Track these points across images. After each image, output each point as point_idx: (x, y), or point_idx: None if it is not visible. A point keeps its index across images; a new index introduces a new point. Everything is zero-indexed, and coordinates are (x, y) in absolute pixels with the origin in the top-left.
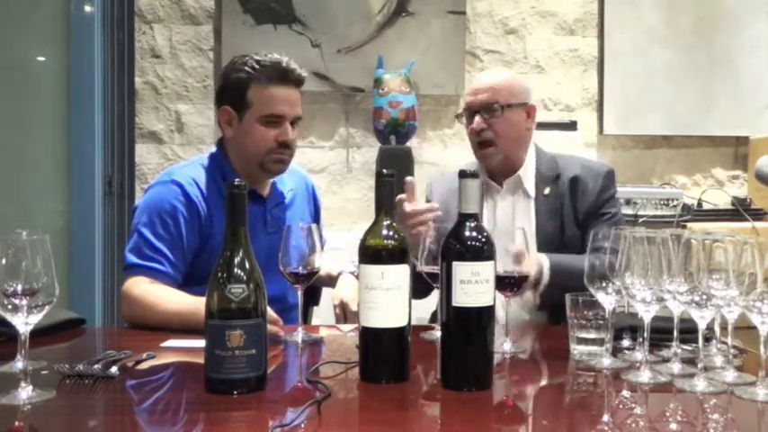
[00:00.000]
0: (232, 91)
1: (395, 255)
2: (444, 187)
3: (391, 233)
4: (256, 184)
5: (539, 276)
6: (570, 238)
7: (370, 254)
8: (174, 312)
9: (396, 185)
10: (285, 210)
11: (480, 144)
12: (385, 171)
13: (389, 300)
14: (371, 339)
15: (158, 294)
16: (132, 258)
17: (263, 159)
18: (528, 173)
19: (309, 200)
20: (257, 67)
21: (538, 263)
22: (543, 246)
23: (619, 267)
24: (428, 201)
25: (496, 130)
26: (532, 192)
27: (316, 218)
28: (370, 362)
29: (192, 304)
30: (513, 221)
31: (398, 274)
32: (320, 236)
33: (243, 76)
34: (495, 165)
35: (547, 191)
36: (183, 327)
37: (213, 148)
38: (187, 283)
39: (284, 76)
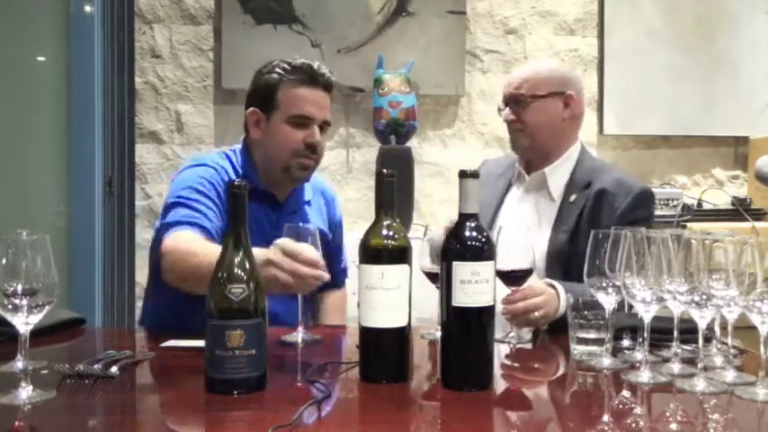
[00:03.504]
0: (261, 93)
1: (395, 255)
2: (497, 170)
3: (391, 233)
4: (276, 189)
5: (556, 306)
6: (580, 255)
7: (371, 254)
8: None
9: (395, 185)
10: (302, 218)
11: (512, 131)
12: (385, 171)
13: (389, 300)
14: (371, 339)
15: (205, 244)
16: (172, 218)
17: (288, 162)
18: (557, 174)
19: (328, 210)
20: (287, 68)
21: (550, 295)
22: (552, 256)
23: (619, 267)
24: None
25: (524, 119)
26: (557, 195)
27: (332, 229)
28: (370, 362)
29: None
30: (530, 220)
31: (398, 275)
32: (328, 243)
33: (273, 77)
34: (523, 149)
35: (573, 198)
36: None
37: (238, 145)
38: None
39: (314, 78)
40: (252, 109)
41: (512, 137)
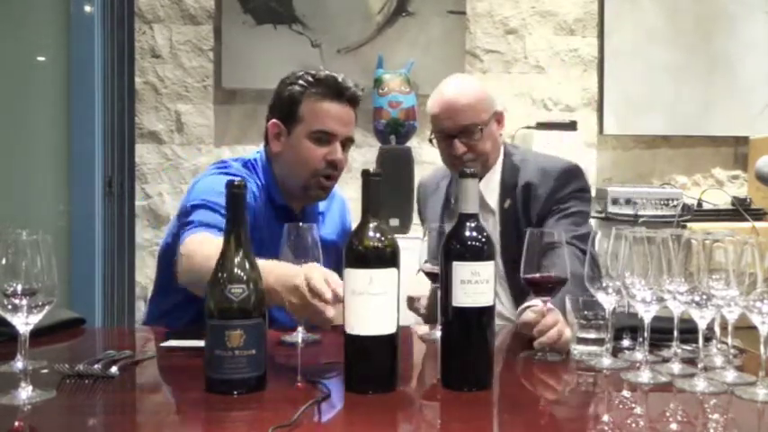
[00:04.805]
0: (284, 105)
1: (384, 258)
2: (432, 186)
3: (378, 235)
4: (292, 201)
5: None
6: None
7: (358, 257)
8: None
9: (384, 185)
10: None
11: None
12: (371, 170)
13: (378, 306)
14: (358, 348)
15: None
16: (196, 218)
17: (308, 181)
18: (490, 184)
19: (341, 219)
20: (312, 80)
21: (557, 312)
22: (510, 265)
23: (620, 267)
24: (419, 201)
25: (478, 150)
26: (494, 205)
27: (344, 236)
28: (356, 371)
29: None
30: None
31: (387, 279)
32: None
33: (297, 89)
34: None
35: (507, 203)
36: None
37: (258, 153)
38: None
39: (339, 92)
40: (273, 121)
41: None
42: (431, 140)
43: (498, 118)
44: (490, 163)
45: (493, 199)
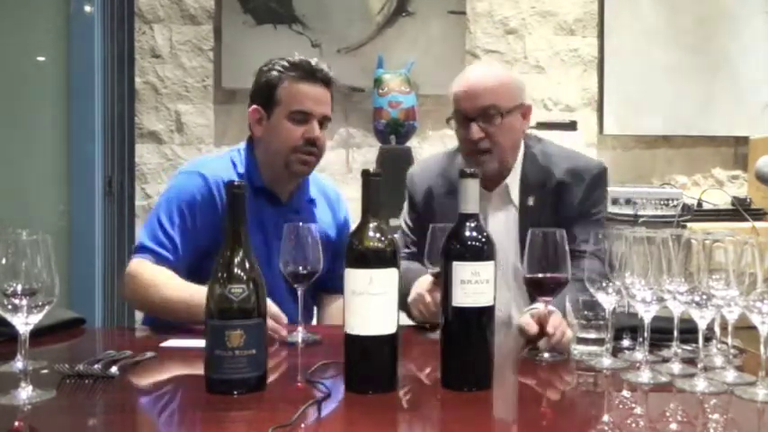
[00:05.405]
0: (262, 90)
1: (384, 258)
2: (425, 177)
3: (378, 235)
4: (277, 187)
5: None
6: None
7: (358, 257)
8: (175, 299)
9: (384, 185)
10: (307, 218)
11: (476, 152)
12: (371, 170)
13: (378, 306)
14: (358, 348)
15: (160, 277)
16: (144, 239)
17: (288, 158)
18: (515, 179)
19: (333, 211)
20: (287, 65)
21: (559, 312)
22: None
23: (620, 267)
24: (410, 194)
25: (496, 139)
26: (518, 201)
27: (338, 229)
28: (356, 372)
29: (188, 295)
30: (506, 236)
31: (387, 279)
32: (333, 245)
33: (273, 74)
34: (489, 172)
35: (531, 201)
36: (176, 314)
37: (243, 144)
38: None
39: (312, 73)
40: (254, 107)
41: (475, 159)
42: (448, 121)
43: (524, 111)
44: (508, 157)
45: (515, 194)
